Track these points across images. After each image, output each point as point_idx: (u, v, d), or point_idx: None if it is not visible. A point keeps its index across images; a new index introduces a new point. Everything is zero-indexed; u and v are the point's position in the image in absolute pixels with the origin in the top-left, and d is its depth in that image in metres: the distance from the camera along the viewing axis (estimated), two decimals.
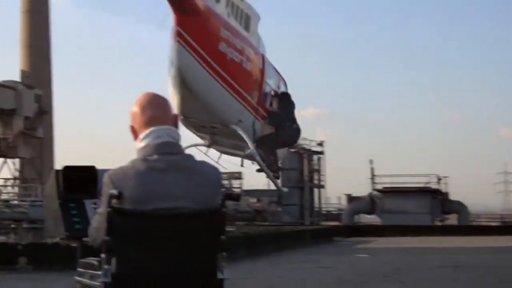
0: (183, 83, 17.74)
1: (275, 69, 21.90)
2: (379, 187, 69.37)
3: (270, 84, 21.09)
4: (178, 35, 17.06)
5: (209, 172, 4.21)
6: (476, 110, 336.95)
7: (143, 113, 4.23)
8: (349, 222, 66.98)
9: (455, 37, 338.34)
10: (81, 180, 4.97)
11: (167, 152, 4.09)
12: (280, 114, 20.63)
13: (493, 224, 77.08)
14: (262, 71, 20.23)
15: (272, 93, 21.11)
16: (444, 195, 68.80)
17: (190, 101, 18.14)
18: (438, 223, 70.25)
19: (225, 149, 21.52)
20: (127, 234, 3.91)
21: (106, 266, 3.94)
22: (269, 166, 20.84)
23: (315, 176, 70.06)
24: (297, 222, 64.21)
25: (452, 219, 76.04)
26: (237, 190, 78.57)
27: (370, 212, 70.72)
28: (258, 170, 20.91)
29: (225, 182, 78.81)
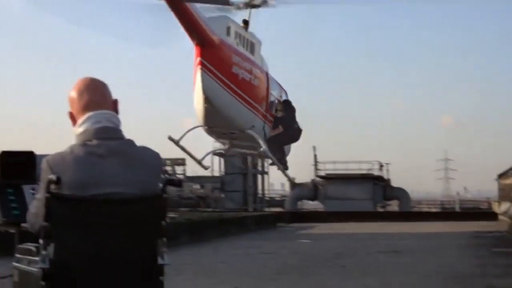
0: (207, 100, 23.47)
1: (277, 82, 27.65)
2: (322, 173, 69.91)
3: (274, 95, 27.30)
4: (201, 64, 22.45)
5: (149, 157, 4.18)
6: (419, 98, 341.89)
7: (80, 97, 4.18)
8: (292, 208, 67.34)
9: (398, 23, 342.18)
10: (19, 165, 4.91)
11: (107, 137, 4.05)
12: (284, 118, 27.13)
13: (434, 210, 78.49)
14: (267, 85, 26.40)
15: (276, 101, 27.39)
16: (386, 181, 69.72)
17: (213, 114, 23.97)
18: (380, 209, 71.23)
19: (242, 150, 29.95)
20: (65, 220, 3.88)
21: (44, 252, 3.91)
22: (279, 160, 27.85)
23: (259, 163, 70.22)
24: (241, 208, 64.36)
25: (394, 205, 77.17)
26: (180, 177, 78.42)
27: (313, 198, 71.29)
28: (271, 164, 28.41)
29: (169, 168, 78.54)
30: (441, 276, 19.45)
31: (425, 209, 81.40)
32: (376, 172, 69.74)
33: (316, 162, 70.26)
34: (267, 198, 75.62)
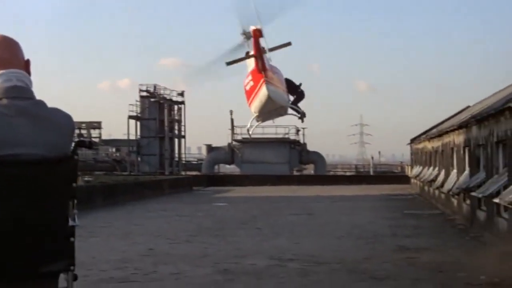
0: (270, 98, 39.17)
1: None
2: (239, 137, 70.14)
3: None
4: (265, 80, 38.65)
5: (60, 119, 4.11)
6: (335, 63, 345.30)
7: None
8: (208, 172, 67.51)
9: None
10: None
11: (16, 96, 3.96)
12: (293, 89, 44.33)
13: (348, 174, 79.79)
14: (282, 77, 42.68)
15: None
16: (302, 145, 70.36)
17: (271, 104, 40.17)
18: (296, 173, 72.02)
19: (272, 118, 46.08)
20: None
21: None
22: (299, 112, 45.06)
23: (176, 126, 69.93)
24: (157, 172, 64.09)
25: (310, 169, 78.16)
26: (96, 140, 77.45)
27: (229, 162, 71.50)
28: (299, 118, 45.74)
29: (84, 131, 77.51)
30: (353, 237, 19.91)
31: (340, 173, 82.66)
32: (292, 137, 70.35)
33: (232, 126, 70.38)
34: (184, 162, 75.40)
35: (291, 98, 44.35)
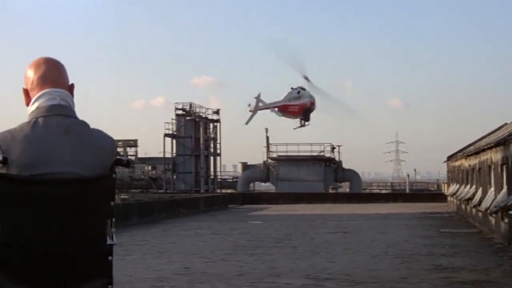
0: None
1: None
2: (274, 155, 70.10)
3: None
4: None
5: (102, 140, 4.14)
6: (368, 80, 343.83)
7: (37, 70, 4.11)
8: (244, 190, 67.51)
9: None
10: None
11: (60, 114, 4.01)
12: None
13: (384, 192, 79.29)
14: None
15: None
16: (338, 163, 70.15)
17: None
18: (331, 191, 71.77)
19: None
20: (12, 200, 3.85)
21: None
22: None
23: (211, 144, 70.14)
24: (192, 190, 64.24)
25: (345, 187, 77.77)
26: (132, 158, 77.88)
27: (265, 180, 71.50)
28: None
29: (120, 149, 78.02)
30: (389, 256, 19.75)
31: (376, 191, 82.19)
32: (327, 154, 70.19)
33: (268, 144, 70.44)
34: (219, 180, 75.53)
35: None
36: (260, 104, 69.18)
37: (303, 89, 69.31)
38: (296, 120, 70.70)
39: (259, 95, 69.36)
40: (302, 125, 70.92)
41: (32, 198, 3.85)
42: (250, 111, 69.44)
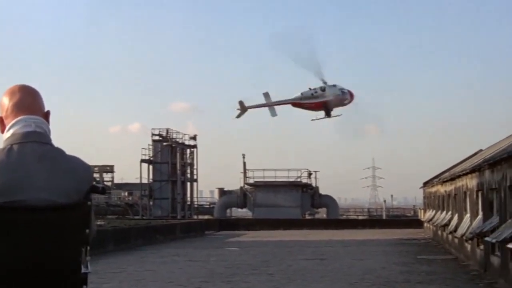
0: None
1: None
2: (251, 181, 70.05)
3: None
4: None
5: (77, 165, 4.11)
6: None
7: (11, 97, 4.09)
8: (221, 216, 67.33)
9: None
10: None
11: (34, 141, 3.99)
12: None
13: (361, 217, 79.41)
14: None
15: None
16: (314, 189, 70.19)
17: None
18: (308, 217, 71.75)
19: None
20: None
21: None
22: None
23: (188, 170, 69.98)
24: (169, 216, 63.97)
25: (322, 213, 77.84)
26: (108, 184, 77.54)
27: (242, 206, 71.36)
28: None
29: (96, 175, 77.59)
30: (366, 283, 19.74)
31: (353, 217, 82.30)
32: (304, 180, 70.23)
33: (245, 170, 70.41)
34: (196, 206, 75.27)
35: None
36: (267, 101, 67.51)
37: (323, 89, 67.78)
38: (317, 113, 69.18)
39: (267, 93, 68.07)
40: (322, 118, 69.28)
41: (6, 225, 3.81)
42: (238, 109, 68.01)
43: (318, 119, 69.05)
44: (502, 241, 18.65)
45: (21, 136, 3.93)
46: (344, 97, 67.36)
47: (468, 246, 26.76)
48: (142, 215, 66.05)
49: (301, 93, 67.78)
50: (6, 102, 4.08)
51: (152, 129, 68.05)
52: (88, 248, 4.09)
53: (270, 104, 67.49)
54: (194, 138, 69.80)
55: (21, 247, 3.84)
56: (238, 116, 68.14)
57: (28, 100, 4.08)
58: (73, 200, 3.98)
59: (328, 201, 70.81)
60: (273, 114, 67.76)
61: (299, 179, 69.98)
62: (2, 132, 4.05)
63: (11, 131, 3.98)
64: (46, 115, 4.14)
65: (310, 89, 67.69)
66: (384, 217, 75.74)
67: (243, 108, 67.74)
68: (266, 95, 67.64)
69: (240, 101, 67.87)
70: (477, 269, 23.39)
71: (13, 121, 4.00)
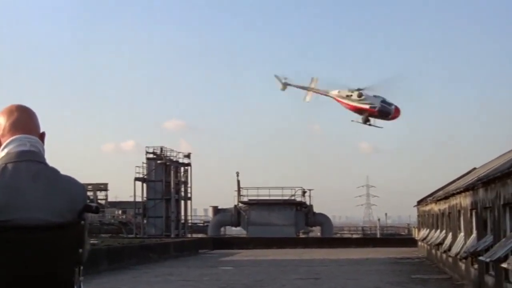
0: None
1: None
2: (245, 199, 69.95)
3: None
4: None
5: (71, 185, 4.11)
6: (336, 123, 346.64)
7: (8, 117, 4.11)
8: (214, 234, 67.18)
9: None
10: None
11: (29, 160, 3.99)
12: None
13: (355, 236, 79.32)
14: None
15: None
16: (309, 207, 70.08)
17: None
18: (302, 235, 71.60)
19: None
20: None
21: None
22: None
23: (182, 188, 69.87)
24: (163, 234, 63.79)
25: (317, 231, 77.73)
26: (102, 202, 77.34)
27: (236, 224, 71.19)
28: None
29: (90, 193, 77.39)
30: None
31: (347, 235, 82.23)
32: (298, 198, 70.12)
33: (239, 188, 70.30)
34: (190, 224, 75.06)
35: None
36: (310, 85, 65.67)
37: (360, 96, 64.18)
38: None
39: (316, 78, 66.46)
40: (360, 122, 65.99)
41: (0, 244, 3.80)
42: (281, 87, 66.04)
43: (358, 122, 66.70)
44: (496, 260, 18.62)
45: (15, 155, 3.94)
46: (386, 111, 64.69)
47: (463, 266, 26.72)
48: (136, 234, 65.84)
49: (338, 91, 65.67)
50: (3, 121, 4.09)
51: (146, 147, 68.03)
52: (81, 268, 4.07)
53: (311, 89, 65.49)
54: (188, 156, 69.78)
55: (14, 266, 3.83)
56: (283, 89, 66.03)
57: (24, 120, 4.09)
58: (67, 219, 3.98)
59: (322, 220, 70.71)
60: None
61: (293, 197, 69.91)
62: None
63: (6, 150, 3.99)
64: (42, 136, 4.15)
65: (348, 90, 65.04)
66: (378, 235, 75.70)
67: (282, 85, 65.94)
68: (313, 80, 65.72)
69: (276, 75, 66.76)
70: None
71: (9, 140, 4.01)
